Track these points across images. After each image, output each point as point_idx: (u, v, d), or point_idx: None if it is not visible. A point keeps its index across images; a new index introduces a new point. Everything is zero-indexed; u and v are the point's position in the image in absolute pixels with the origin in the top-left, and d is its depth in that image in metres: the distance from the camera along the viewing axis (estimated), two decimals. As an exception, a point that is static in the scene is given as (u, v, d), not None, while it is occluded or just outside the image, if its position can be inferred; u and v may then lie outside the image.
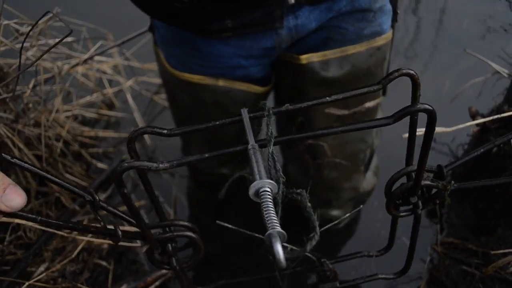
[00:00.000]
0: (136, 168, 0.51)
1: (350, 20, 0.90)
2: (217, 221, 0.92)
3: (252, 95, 1.07)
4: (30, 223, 1.18)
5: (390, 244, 0.87)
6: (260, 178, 0.48)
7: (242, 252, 1.31)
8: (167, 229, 0.71)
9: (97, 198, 0.57)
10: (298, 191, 0.56)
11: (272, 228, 0.44)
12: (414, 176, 0.69)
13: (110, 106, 1.72)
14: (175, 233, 0.69)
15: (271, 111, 0.56)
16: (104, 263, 1.21)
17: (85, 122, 1.66)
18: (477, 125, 1.38)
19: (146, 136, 1.59)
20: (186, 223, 0.69)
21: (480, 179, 0.73)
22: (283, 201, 0.51)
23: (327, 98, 0.61)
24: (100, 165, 1.50)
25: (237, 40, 0.92)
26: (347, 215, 0.82)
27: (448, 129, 0.99)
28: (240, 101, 1.08)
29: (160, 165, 0.52)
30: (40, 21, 1.19)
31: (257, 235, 0.96)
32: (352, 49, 0.93)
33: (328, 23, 0.90)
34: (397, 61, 1.91)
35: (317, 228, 0.57)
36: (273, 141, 0.54)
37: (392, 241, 0.86)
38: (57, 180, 0.55)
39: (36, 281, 1.07)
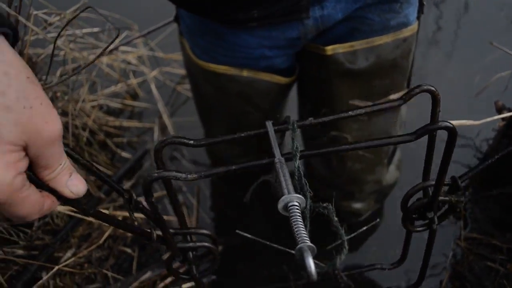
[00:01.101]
0: (165, 178, 0.53)
1: (376, 11, 0.89)
2: (237, 231, 0.94)
3: (276, 85, 1.07)
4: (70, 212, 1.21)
5: (403, 258, 0.87)
6: (289, 192, 0.49)
7: (264, 245, 1.32)
8: (188, 237, 0.73)
9: (134, 197, 0.58)
10: (325, 205, 0.57)
11: (302, 242, 0.44)
12: (431, 191, 0.70)
13: (134, 96, 1.74)
14: (197, 244, 0.70)
15: (295, 125, 0.58)
16: (128, 250, 1.23)
17: (109, 111, 1.68)
18: (502, 119, 1.36)
19: (170, 127, 1.61)
20: (207, 232, 0.71)
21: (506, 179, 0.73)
22: (310, 215, 0.51)
23: (350, 113, 0.64)
24: (124, 154, 1.52)
25: (263, 31, 0.92)
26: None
27: (476, 122, 0.98)
28: (264, 92, 1.08)
29: (189, 175, 0.54)
30: (68, 11, 1.21)
31: (278, 246, 0.98)
32: (378, 40, 0.92)
33: (354, 13, 0.89)
34: (422, 54, 1.89)
35: (346, 242, 0.57)
36: (298, 155, 0.55)
37: (405, 255, 0.86)
38: (100, 173, 0.56)
39: (64, 266, 1.10)
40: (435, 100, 0.58)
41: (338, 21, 0.90)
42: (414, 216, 0.75)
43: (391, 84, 0.99)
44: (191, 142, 0.61)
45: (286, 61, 1.03)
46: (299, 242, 0.45)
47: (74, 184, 0.48)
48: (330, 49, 0.92)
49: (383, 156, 1.12)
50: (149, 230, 0.64)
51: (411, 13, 0.93)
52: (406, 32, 0.94)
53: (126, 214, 1.28)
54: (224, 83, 1.07)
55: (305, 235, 0.45)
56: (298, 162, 0.54)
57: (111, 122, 1.58)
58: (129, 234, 1.27)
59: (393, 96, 1.01)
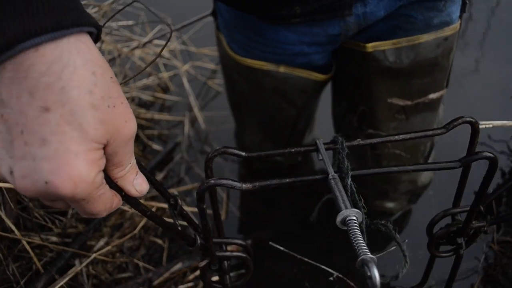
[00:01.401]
0: (220, 186, 0.55)
1: (420, 9, 0.88)
2: (270, 243, 0.94)
3: (312, 82, 1.06)
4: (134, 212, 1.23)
5: (424, 281, 0.86)
6: (346, 207, 0.51)
7: (293, 240, 1.32)
8: (223, 246, 0.73)
9: (180, 203, 0.60)
10: (383, 222, 0.59)
11: (364, 254, 0.46)
12: (457, 216, 0.73)
13: (165, 89, 1.76)
14: (234, 253, 0.71)
15: (344, 145, 0.60)
16: (159, 241, 1.25)
17: (141, 104, 1.70)
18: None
19: (200, 121, 1.62)
20: (243, 243, 0.72)
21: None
22: (366, 229, 0.54)
23: (395, 137, 0.65)
24: (155, 146, 1.54)
25: (304, 27, 0.92)
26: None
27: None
28: (300, 89, 1.08)
29: (243, 185, 0.56)
30: (106, 3, 1.23)
31: (311, 261, 0.98)
32: (420, 39, 0.91)
33: (397, 11, 0.88)
34: (457, 53, 1.86)
35: (407, 257, 0.60)
36: (350, 173, 0.57)
37: (426, 278, 0.85)
38: (149, 175, 0.56)
39: (103, 254, 1.12)
40: (475, 131, 0.61)
41: (380, 18, 0.89)
42: (441, 241, 0.75)
43: (431, 83, 0.98)
44: (243, 154, 0.63)
45: (323, 58, 1.02)
46: (361, 254, 0.46)
47: (139, 183, 0.49)
48: (370, 46, 0.92)
49: (420, 156, 1.10)
50: (193, 236, 0.65)
51: (454, 11, 0.92)
52: (448, 31, 0.93)
53: (159, 204, 1.29)
54: (259, 78, 1.07)
55: (365, 247, 0.47)
56: (350, 180, 0.56)
57: (142, 115, 1.60)
58: (160, 226, 1.28)
59: (432, 96, 1.00)
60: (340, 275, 0.99)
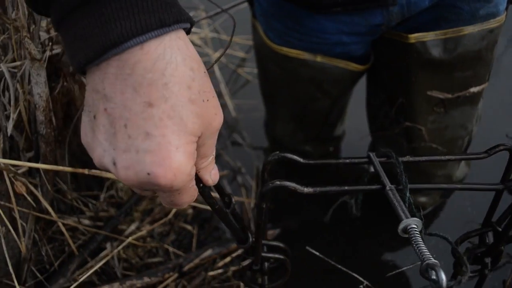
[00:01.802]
0: (285, 188, 0.58)
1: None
2: (307, 247, 0.98)
3: (349, 73, 1.05)
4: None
5: None
6: (406, 217, 0.55)
7: (320, 229, 1.31)
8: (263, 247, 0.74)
9: (233, 202, 0.61)
10: (441, 234, 0.63)
11: (428, 259, 0.49)
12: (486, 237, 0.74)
13: (195, 76, 1.75)
14: (276, 255, 0.72)
15: (399, 160, 0.64)
16: (189, 227, 1.26)
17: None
18: None
19: (230, 108, 1.61)
20: (283, 245, 0.74)
21: None
22: (423, 239, 0.56)
23: (442, 157, 0.69)
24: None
25: (345, 16, 0.90)
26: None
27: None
28: (336, 79, 1.06)
29: (305, 189, 0.58)
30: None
31: (348, 270, 0.98)
32: (464, 31, 0.89)
33: (442, 1, 0.86)
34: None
35: (467, 265, 0.64)
36: (408, 187, 0.61)
37: None
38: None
39: (134, 239, 1.13)
40: None
41: (424, 8, 0.87)
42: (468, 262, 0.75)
43: (473, 77, 0.96)
44: (301, 160, 0.67)
45: (362, 48, 1.01)
46: (425, 259, 0.49)
47: (215, 173, 0.50)
48: (413, 37, 0.90)
49: (457, 151, 1.08)
50: (246, 234, 0.67)
51: (501, 2, 0.89)
52: (494, 23, 0.90)
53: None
54: (295, 67, 1.06)
55: (427, 253, 0.50)
56: (408, 193, 0.60)
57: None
58: (189, 211, 1.29)
59: (473, 89, 0.98)
60: (369, 284, 0.99)
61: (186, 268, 1.12)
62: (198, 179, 0.49)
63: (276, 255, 0.72)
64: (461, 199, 1.30)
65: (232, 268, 1.17)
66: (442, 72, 0.94)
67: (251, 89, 1.66)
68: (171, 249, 1.19)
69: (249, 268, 0.73)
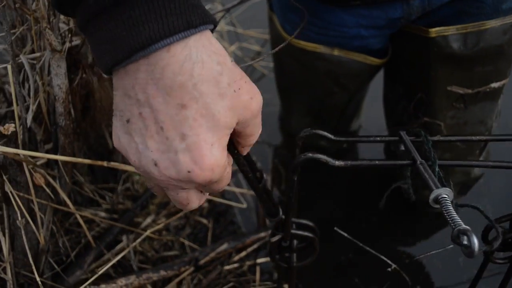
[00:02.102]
0: (314, 160, 0.58)
1: (489, -7, 0.85)
2: (335, 228, 0.99)
3: (367, 67, 1.04)
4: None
5: (473, 286, 0.84)
6: (437, 187, 0.56)
7: (337, 225, 1.31)
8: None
9: (265, 178, 0.62)
10: (472, 204, 0.63)
11: (459, 225, 0.50)
12: None
13: (210, 70, 1.75)
14: (306, 233, 0.73)
15: (428, 138, 0.66)
16: (204, 221, 1.26)
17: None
18: None
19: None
20: (312, 224, 0.74)
21: None
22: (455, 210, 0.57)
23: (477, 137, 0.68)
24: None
25: (363, 9, 0.89)
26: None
27: None
28: (354, 73, 1.05)
29: (336, 162, 0.59)
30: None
31: (376, 253, 0.98)
32: (486, 25, 0.87)
33: (464, -5, 0.85)
34: None
35: (499, 231, 0.63)
36: (437, 162, 0.63)
37: (475, 284, 0.83)
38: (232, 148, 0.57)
39: (151, 232, 1.13)
40: None
41: (446, 2, 0.85)
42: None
43: (494, 72, 0.95)
44: (332, 136, 0.69)
45: (380, 41, 1.00)
46: (456, 226, 0.51)
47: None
48: (434, 31, 0.88)
49: (476, 147, 1.07)
50: (277, 208, 0.66)
51: (524, -4, 0.87)
52: (517, 17, 0.89)
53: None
54: (312, 61, 1.06)
55: (458, 220, 0.51)
56: (437, 169, 0.62)
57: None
58: (205, 205, 1.29)
59: (494, 85, 0.97)
60: (398, 268, 0.98)
61: (202, 261, 1.13)
62: (232, 148, 0.50)
63: (305, 233, 0.73)
64: (479, 197, 1.29)
65: (248, 263, 1.17)
66: (463, 67, 0.93)
67: (266, 83, 1.66)
68: (186, 242, 1.20)
69: (278, 245, 0.73)
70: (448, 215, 0.52)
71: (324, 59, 1.04)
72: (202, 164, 0.43)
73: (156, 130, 0.42)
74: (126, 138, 0.44)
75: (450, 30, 0.88)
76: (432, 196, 0.56)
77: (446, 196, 0.55)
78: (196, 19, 0.41)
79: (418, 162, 0.61)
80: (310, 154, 0.58)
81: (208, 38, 0.42)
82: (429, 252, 1.02)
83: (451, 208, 0.53)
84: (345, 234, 0.97)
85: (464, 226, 0.49)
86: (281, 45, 0.72)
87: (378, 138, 0.68)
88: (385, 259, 0.98)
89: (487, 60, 0.92)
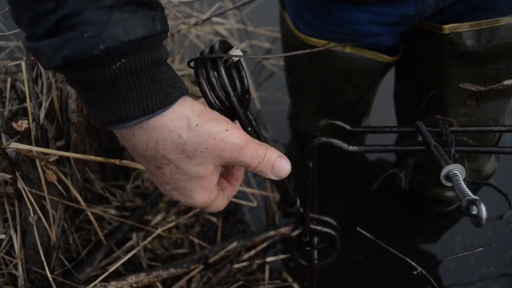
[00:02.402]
0: (328, 144, 0.61)
1: (503, -11, 0.84)
2: (358, 228, 1.00)
3: (378, 64, 1.03)
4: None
5: None
6: (447, 163, 0.57)
7: (367, 214, 1.31)
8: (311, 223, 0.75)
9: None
10: (485, 182, 0.67)
11: (468, 196, 0.51)
12: None
13: (219, 68, 1.75)
14: (325, 229, 0.74)
15: (448, 128, 0.68)
16: (214, 219, 1.26)
17: (195, 83, 1.70)
18: None
19: (256, 101, 1.61)
20: (332, 221, 0.75)
21: None
22: (468, 186, 0.57)
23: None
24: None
25: (377, 7, 0.89)
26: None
27: None
28: (365, 70, 1.05)
29: (351, 147, 0.60)
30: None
31: (399, 254, 0.98)
32: (500, 21, 0.87)
33: (478, -9, 0.84)
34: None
35: (511, 202, 0.65)
36: (453, 149, 0.65)
37: None
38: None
39: (157, 230, 1.13)
40: None
41: None
42: None
43: (507, 69, 0.94)
44: (348, 127, 0.71)
45: (392, 38, 0.99)
46: (466, 196, 0.51)
47: (277, 171, 0.55)
48: (447, 28, 0.88)
49: (488, 145, 1.06)
50: (295, 197, 0.68)
51: (538, -8, 0.87)
52: (531, 14, 0.88)
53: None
54: (323, 58, 1.05)
55: (468, 192, 0.52)
56: (453, 150, 0.64)
57: (198, 93, 1.60)
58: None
59: (507, 82, 0.96)
60: (424, 272, 0.99)
61: (211, 260, 1.12)
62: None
63: (326, 229, 0.73)
64: (490, 194, 1.28)
65: (257, 261, 1.17)
66: (475, 64, 0.92)
67: (276, 81, 1.65)
68: (196, 240, 1.20)
69: (298, 240, 0.74)
70: (458, 188, 0.53)
71: (335, 57, 1.03)
72: (192, 201, 0.55)
73: (153, 176, 0.55)
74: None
75: (463, 27, 0.87)
76: (443, 172, 0.56)
77: (457, 172, 0.55)
78: (153, 105, 0.47)
79: (432, 145, 0.62)
80: (324, 139, 0.60)
81: (167, 117, 0.48)
82: (455, 254, 1.03)
83: (461, 182, 0.53)
84: (368, 234, 0.98)
85: (473, 196, 0.50)
86: (310, 51, 0.74)
87: (395, 129, 0.69)
88: (410, 261, 0.99)
89: (500, 57, 0.91)
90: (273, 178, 0.56)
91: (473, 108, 0.99)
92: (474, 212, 0.49)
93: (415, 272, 0.99)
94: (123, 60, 0.45)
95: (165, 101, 0.48)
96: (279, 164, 0.55)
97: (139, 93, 0.46)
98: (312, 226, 0.72)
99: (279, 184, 0.62)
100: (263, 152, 0.54)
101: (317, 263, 0.78)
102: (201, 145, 0.50)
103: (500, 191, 0.64)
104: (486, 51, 0.90)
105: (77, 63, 0.44)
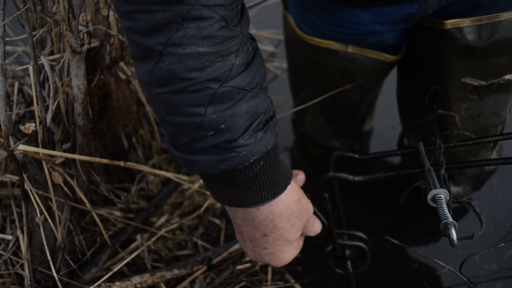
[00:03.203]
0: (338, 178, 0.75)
1: (504, -15, 0.85)
2: (386, 237, 1.08)
3: (381, 63, 1.05)
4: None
5: None
6: (435, 187, 0.67)
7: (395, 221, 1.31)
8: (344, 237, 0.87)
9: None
10: (467, 201, 0.71)
11: (446, 219, 0.61)
12: None
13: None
14: (354, 242, 0.85)
15: (442, 145, 0.75)
16: (217, 221, 1.26)
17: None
18: None
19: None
20: (363, 236, 0.84)
21: None
22: (453, 207, 0.66)
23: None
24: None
25: (381, 7, 0.90)
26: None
27: None
28: (368, 70, 1.06)
29: (356, 177, 0.74)
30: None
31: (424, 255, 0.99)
32: (501, 16, 0.88)
33: (479, -12, 0.86)
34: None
35: (483, 223, 0.70)
36: (444, 166, 0.72)
37: None
38: None
39: (162, 231, 1.15)
40: None
41: None
42: None
43: (508, 63, 0.95)
44: (356, 155, 0.82)
45: (395, 36, 1.00)
46: (443, 219, 0.62)
47: (316, 231, 0.76)
48: (449, 23, 0.89)
49: (489, 142, 1.07)
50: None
51: (539, -12, 0.88)
52: (531, 9, 0.89)
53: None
54: (326, 58, 1.06)
55: (447, 214, 0.62)
56: (443, 170, 0.71)
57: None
58: (218, 206, 1.30)
59: (508, 76, 0.97)
60: (452, 269, 1.03)
61: (214, 261, 1.13)
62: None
63: (354, 243, 0.83)
64: (492, 193, 1.28)
65: (260, 263, 1.17)
66: (477, 59, 0.93)
67: (279, 84, 1.66)
68: (199, 242, 1.20)
69: (332, 254, 0.86)
70: (440, 211, 0.62)
71: (338, 56, 1.04)
72: (276, 261, 0.72)
73: (248, 241, 0.70)
74: (240, 239, 0.73)
75: (465, 22, 0.88)
76: (430, 195, 0.66)
77: (442, 196, 0.65)
78: (280, 189, 0.62)
79: (426, 167, 0.71)
80: (331, 174, 0.75)
81: (285, 198, 0.64)
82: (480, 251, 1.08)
83: (444, 205, 0.63)
84: (395, 241, 1.05)
85: (450, 220, 0.60)
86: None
87: (398, 152, 0.81)
88: (438, 261, 1.05)
89: (501, 52, 0.92)
90: (312, 235, 0.76)
91: (475, 102, 1.00)
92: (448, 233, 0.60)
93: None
94: (262, 163, 0.58)
95: (286, 184, 0.63)
96: (318, 226, 0.76)
97: (271, 183, 0.61)
98: (341, 241, 0.83)
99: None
100: (314, 218, 0.75)
101: (351, 271, 0.89)
102: (301, 215, 0.68)
103: (475, 210, 0.70)
104: (487, 46, 0.91)
105: (228, 171, 0.58)
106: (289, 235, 0.68)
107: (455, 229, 0.60)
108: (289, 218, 0.65)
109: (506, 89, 0.99)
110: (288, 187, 0.64)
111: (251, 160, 0.57)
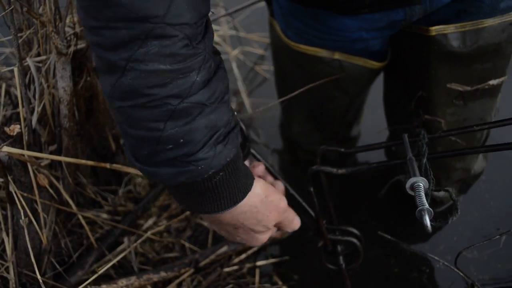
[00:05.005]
0: (321, 171, 0.77)
1: (488, -7, 0.86)
2: (379, 232, 1.10)
3: (367, 70, 1.05)
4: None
5: None
6: (415, 175, 0.67)
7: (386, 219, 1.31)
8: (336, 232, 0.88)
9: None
10: (444, 188, 0.75)
11: (422, 205, 0.62)
12: None
13: (212, 75, 1.76)
14: (344, 237, 0.85)
15: (425, 136, 0.77)
16: (205, 223, 1.26)
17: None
18: None
19: (247, 106, 1.62)
20: (355, 231, 0.85)
21: None
22: (431, 195, 0.67)
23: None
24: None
25: (367, 14, 0.91)
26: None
27: None
28: (354, 77, 1.07)
29: (339, 170, 0.76)
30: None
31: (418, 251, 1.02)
32: (484, 23, 0.89)
33: (464, -5, 0.86)
34: None
35: (459, 209, 0.73)
36: (426, 155, 0.73)
37: None
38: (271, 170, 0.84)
39: (152, 233, 1.14)
40: None
41: (446, 3, 0.87)
42: None
43: (492, 69, 0.96)
44: (342, 149, 0.84)
45: (381, 43, 1.01)
46: (419, 205, 0.62)
47: (293, 227, 0.79)
48: (434, 30, 0.90)
49: (475, 144, 1.08)
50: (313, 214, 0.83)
51: (521, -5, 0.89)
52: (514, 16, 0.90)
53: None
54: (313, 65, 1.07)
55: (424, 202, 0.63)
56: (425, 160, 0.72)
57: (190, 99, 1.61)
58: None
59: (492, 82, 0.98)
60: (447, 263, 1.04)
61: (202, 263, 1.13)
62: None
63: (345, 238, 0.84)
64: (481, 192, 1.29)
65: (247, 265, 1.17)
66: (462, 65, 0.94)
67: (268, 87, 1.66)
68: (187, 244, 1.20)
69: (324, 249, 0.87)
70: (418, 198, 0.63)
71: (324, 63, 1.05)
72: (251, 244, 0.77)
73: (223, 230, 0.74)
74: (215, 228, 0.76)
75: (449, 28, 0.89)
76: (408, 184, 0.66)
77: (421, 184, 0.65)
78: (241, 196, 0.65)
79: (408, 157, 0.71)
80: (315, 167, 0.76)
81: (247, 201, 0.66)
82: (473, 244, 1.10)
83: (422, 192, 0.64)
84: (389, 237, 1.07)
85: (425, 206, 0.62)
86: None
87: (384, 144, 0.83)
88: (433, 256, 1.07)
89: (485, 57, 0.93)
90: (289, 231, 0.79)
91: (460, 107, 1.00)
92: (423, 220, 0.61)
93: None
94: (221, 174, 0.60)
95: (247, 190, 0.65)
96: (296, 223, 0.78)
97: (231, 192, 0.63)
98: (332, 237, 0.84)
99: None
100: (293, 215, 0.77)
101: (344, 267, 0.90)
102: (270, 211, 0.70)
103: (451, 197, 0.73)
104: (472, 52, 0.92)
105: (187, 183, 0.59)
106: (258, 228, 0.71)
107: (429, 215, 0.61)
108: (255, 216, 0.68)
109: (491, 95, 1.00)
110: (252, 188, 0.67)
111: (210, 173, 0.58)
